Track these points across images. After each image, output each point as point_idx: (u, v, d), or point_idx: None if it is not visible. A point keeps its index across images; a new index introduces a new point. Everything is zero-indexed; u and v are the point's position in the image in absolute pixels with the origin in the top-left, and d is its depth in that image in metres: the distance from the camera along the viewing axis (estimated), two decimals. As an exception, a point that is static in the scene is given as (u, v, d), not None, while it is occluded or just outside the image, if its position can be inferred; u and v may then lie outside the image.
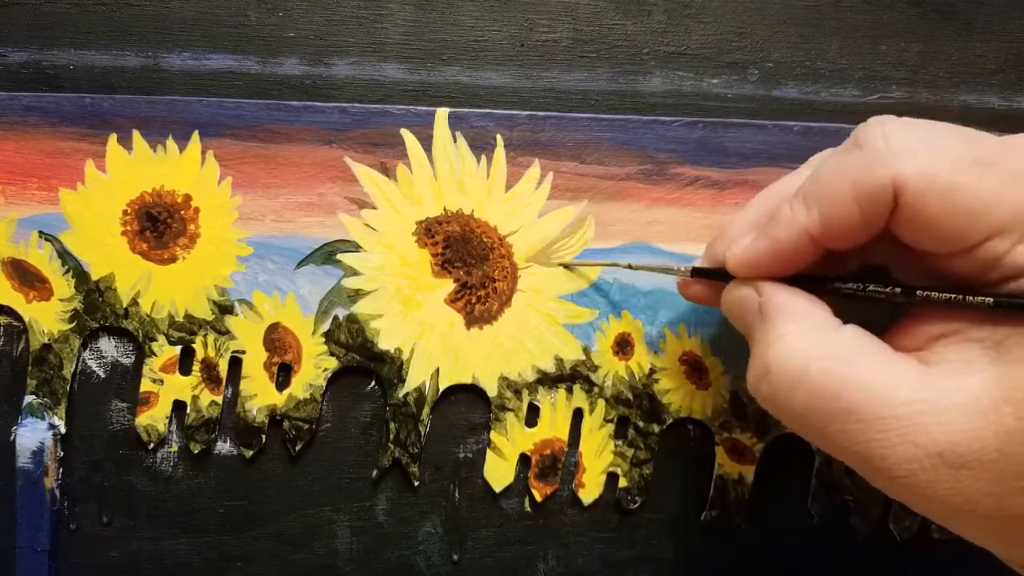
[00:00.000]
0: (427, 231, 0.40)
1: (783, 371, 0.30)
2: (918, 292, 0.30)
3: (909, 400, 0.27)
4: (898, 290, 0.31)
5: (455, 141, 0.39)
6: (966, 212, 0.27)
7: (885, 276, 0.34)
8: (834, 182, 0.29)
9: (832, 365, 0.29)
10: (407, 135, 0.39)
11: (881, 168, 0.28)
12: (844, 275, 0.33)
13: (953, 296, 0.29)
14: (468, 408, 0.41)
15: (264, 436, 0.40)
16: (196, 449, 0.40)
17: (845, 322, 0.31)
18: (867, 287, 0.32)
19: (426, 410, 0.40)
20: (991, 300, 0.28)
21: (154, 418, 0.40)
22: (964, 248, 0.28)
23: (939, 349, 0.29)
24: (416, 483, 0.41)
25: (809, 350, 0.29)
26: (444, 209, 0.39)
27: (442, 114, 0.39)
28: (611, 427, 0.40)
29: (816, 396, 0.29)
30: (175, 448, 0.41)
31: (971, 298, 0.29)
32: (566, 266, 0.40)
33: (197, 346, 0.40)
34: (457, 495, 0.41)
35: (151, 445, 0.40)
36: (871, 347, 0.30)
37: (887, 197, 0.28)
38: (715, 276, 0.35)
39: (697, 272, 0.36)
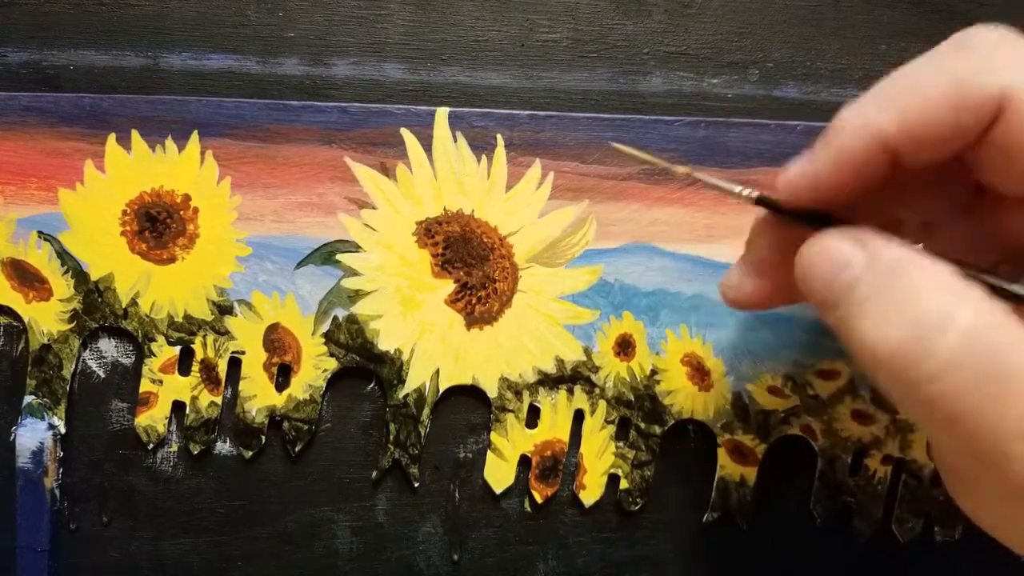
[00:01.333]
0: (427, 231, 0.39)
1: (942, 329, 0.24)
2: None
3: None
4: None
5: (455, 141, 0.39)
6: None
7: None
8: (930, 80, 0.26)
9: (997, 330, 0.24)
10: (407, 135, 0.39)
11: (992, 75, 0.25)
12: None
13: None
14: (468, 409, 0.41)
15: (264, 437, 0.40)
16: (196, 449, 0.40)
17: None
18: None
19: (426, 411, 0.40)
20: None
21: (154, 418, 0.40)
22: None
23: None
24: (416, 484, 0.41)
25: (969, 307, 0.24)
26: (444, 209, 0.39)
27: (442, 114, 0.39)
28: (612, 428, 0.40)
29: (987, 362, 0.24)
30: (175, 448, 0.41)
31: None
32: (615, 148, 0.34)
33: (196, 346, 0.40)
34: (457, 495, 0.41)
35: (151, 445, 0.40)
36: (1011, 313, 0.25)
37: (990, 109, 0.25)
38: (788, 211, 0.29)
39: (762, 202, 0.30)
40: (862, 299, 0.26)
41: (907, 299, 0.25)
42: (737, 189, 0.30)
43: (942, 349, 0.24)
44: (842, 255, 0.26)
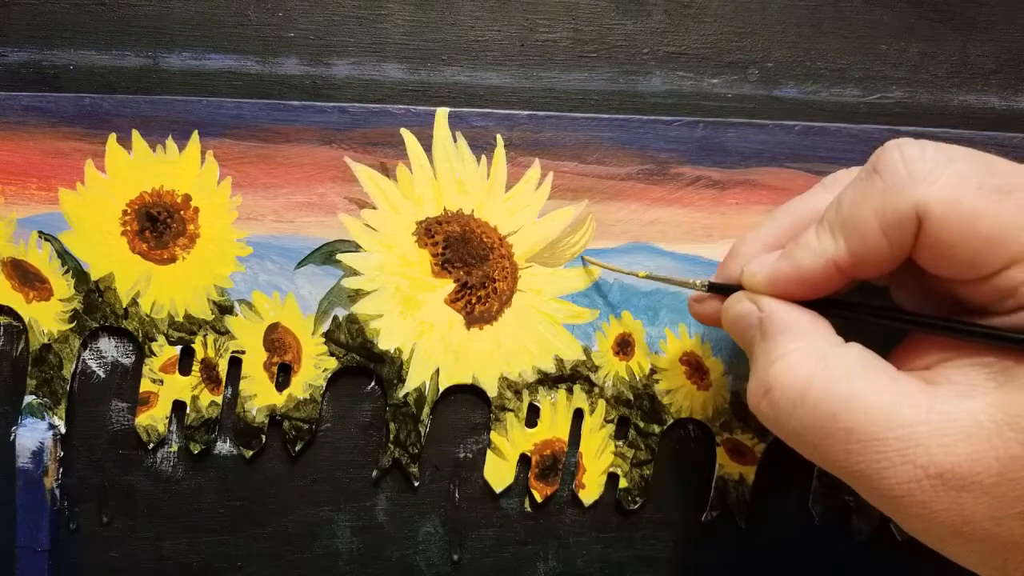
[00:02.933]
0: (427, 231, 0.39)
1: (784, 390, 0.30)
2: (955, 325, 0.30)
3: (911, 422, 0.27)
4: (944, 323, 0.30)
5: (455, 141, 0.39)
6: (986, 239, 0.27)
7: (885, 297, 0.34)
8: (858, 212, 0.29)
9: (833, 385, 0.29)
10: (407, 135, 0.39)
11: (903, 195, 0.28)
12: (842, 294, 0.33)
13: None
14: (468, 408, 0.41)
15: (264, 436, 0.40)
16: (196, 449, 0.40)
17: (847, 340, 0.31)
18: (906, 315, 0.31)
19: (426, 410, 0.40)
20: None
21: (154, 418, 0.40)
22: (982, 275, 0.28)
23: (944, 370, 0.29)
24: (416, 483, 0.41)
25: (810, 370, 0.29)
26: (444, 209, 0.39)
27: (442, 114, 0.39)
28: (611, 427, 0.40)
29: (816, 416, 0.29)
30: (175, 448, 0.41)
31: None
32: (585, 262, 0.40)
33: (197, 346, 0.40)
34: (457, 495, 0.41)
35: (151, 445, 0.40)
36: (874, 366, 0.29)
37: (912, 224, 0.28)
38: (732, 291, 0.34)
39: (714, 288, 0.35)
40: (751, 359, 0.32)
41: (769, 365, 0.30)
42: (691, 280, 0.36)
43: (785, 413, 0.30)
44: (745, 319, 0.32)
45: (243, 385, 0.40)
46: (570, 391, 0.40)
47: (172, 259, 0.39)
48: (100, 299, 0.40)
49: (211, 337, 0.40)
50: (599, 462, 0.41)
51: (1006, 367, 0.28)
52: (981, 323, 0.29)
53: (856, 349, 0.30)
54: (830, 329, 0.31)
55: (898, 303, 0.34)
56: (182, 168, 0.39)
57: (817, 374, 0.29)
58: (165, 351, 0.40)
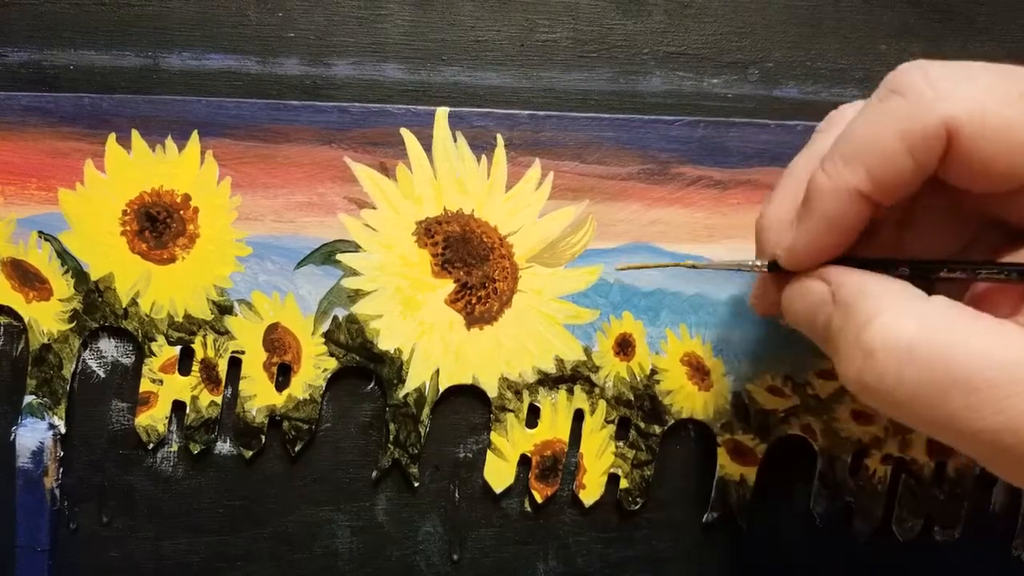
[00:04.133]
0: (427, 231, 0.39)
1: (887, 351, 0.27)
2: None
3: None
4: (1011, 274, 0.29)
5: (455, 141, 0.39)
6: (1017, 147, 0.26)
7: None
8: (879, 134, 0.28)
9: (937, 337, 0.26)
10: (407, 135, 0.39)
11: (931, 112, 0.27)
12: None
13: None
14: (468, 409, 0.41)
15: (264, 436, 0.40)
16: (196, 449, 0.40)
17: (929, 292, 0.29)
18: (978, 270, 0.29)
19: (426, 410, 0.40)
20: None
21: (154, 418, 0.40)
22: (1013, 188, 0.27)
23: None
24: (416, 483, 0.41)
25: (909, 324, 0.27)
26: (444, 209, 0.39)
27: (442, 114, 0.39)
28: (612, 428, 0.40)
29: (928, 371, 0.26)
30: (175, 448, 0.41)
31: None
32: (634, 267, 0.39)
33: (196, 346, 0.40)
34: (457, 495, 0.41)
35: (151, 445, 0.40)
36: (967, 313, 0.27)
37: (940, 141, 0.27)
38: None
39: (775, 268, 0.32)
40: (833, 336, 0.29)
41: (863, 330, 0.27)
42: (750, 262, 0.33)
43: (893, 377, 0.27)
44: (813, 298, 0.30)
45: (243, 385, 0.40)
46: (570, 392, 0.40)
47: (172, 259, 0.39)
48: (100, 299, 0.40)
49: (211, 337, 0.40)
50: (599, 463, 0.41)
51: None
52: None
53: (944, 302, 0.28)
54: (909, 285, 0.29)
55: (919, 249, 0.33)
56: (182, 168, 0.39)
57: (918, 326, 0.27)
58: (165, 351, 0.40)
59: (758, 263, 0.32)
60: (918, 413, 0.27)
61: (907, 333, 0.27)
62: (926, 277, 0.30)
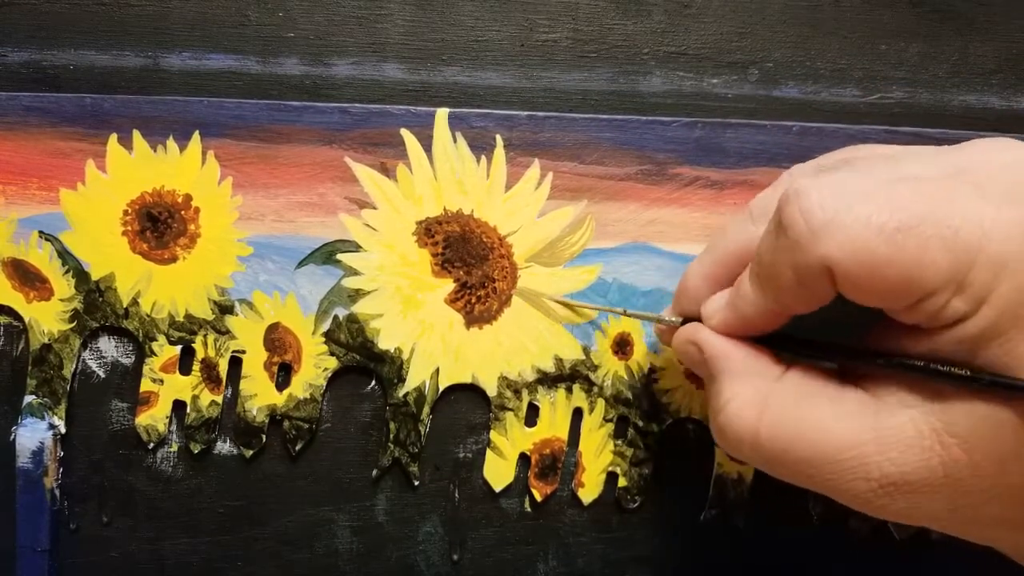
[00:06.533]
0: (427, 231, 0.40)
1: (737, 437, 0.31)
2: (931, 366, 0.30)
3: (857, 442, 0.29)
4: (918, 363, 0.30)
5: (455, 141, 0.39)
6: (896, 281, 0.28)
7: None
8: (775, 268, 0.30)
9: (777, 424, 0.31)
10: (407, 135, 0.39)
11: (808, 252, 0.28)
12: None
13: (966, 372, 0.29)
14: (468, 408, 0.41)
15: (264, 436, 0.40)
16: (196, 449, 0.40)
17: (788, 365, 0.33)
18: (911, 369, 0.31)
19: (426, 410, 0.40)
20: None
21: (154, 418, 0.40)
22: (903, 307, 0.28)
23: (883, 378, 0.30)
24: (416, 483, 0.41)
25: (754, 414, 0.31)
26: (444, 209, 0.39)
27: (442, 114, 0.39)
28: (611, 427, 0.40)
29: (770, 454, 0.31)
30: (175, 448, 0.41)
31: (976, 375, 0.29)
32: (562, 303, 0.40)
33: (197, 346, 0.40)
34: (457, 495, 0.41)
35: (151, 445, 0.40)
36: (814, 393, 0.31)
37: (825, 275, 0.29)
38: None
39: (687, 322, 0.36)
40: (706, 392, 0.34)
41: (717, 412, 0.32)
42: (664, 317, 0.37)
43: (744, 453, 0.32)
44: (691, 357, 0.35)
45: (243, 385, 0.40)
46: (569, 390, 0.40)
47: (173, 259, 0.39)
48: (100, 299, 0.40)
49: (211, 337, 0.40)
50: (598, 461, 0.41)
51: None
52: (914, 353, 0.30)
53: (797, 377, 0.32)
54: (768, 359, 0.33)
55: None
56: (183, 168, 0.39)
57: (761, 418, 0.31)
58: (165, 351, 0.40)
59: (674, 319, 0.36)
60: (771, 473, 0.32)
61: (749, 426, 0.31)
62: (851, 365, 0.32)
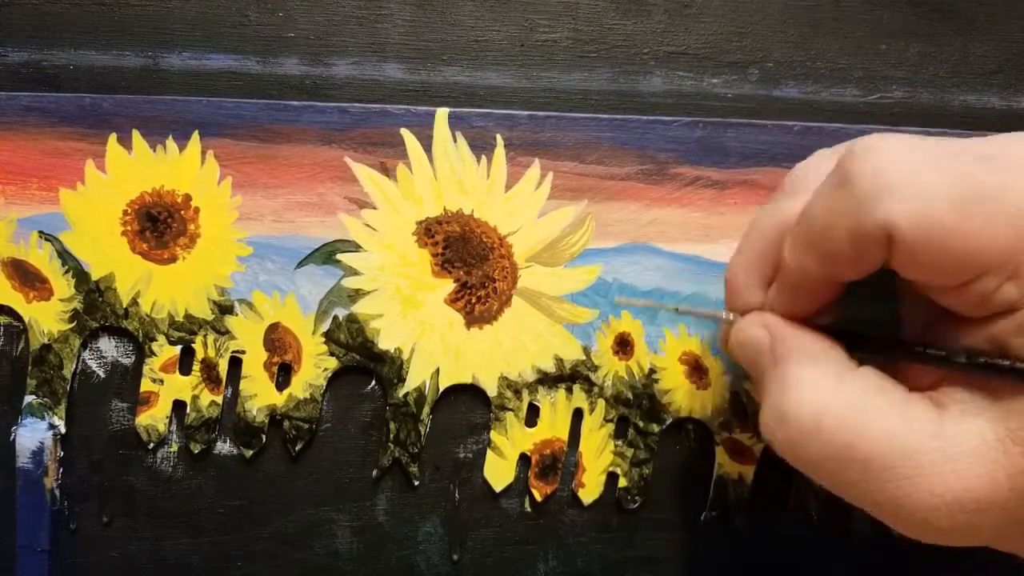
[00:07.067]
0: (427, 231, 0.40)
1: (799, 420, 0.29)
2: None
3: (923, 449, 0.27)
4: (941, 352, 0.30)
5: (455, 141, 0.39)
6: (955, 253, 0.27)
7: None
8: (831, 227, 0.29)
9: (847, 414, 0.29)
10: (407, 135, 0.39)
11: (872, 213, 0.27)
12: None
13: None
14: (468, 408, 0.41)
15: (264, 436, 0.40)
16: (196, 449, 0.40)
17: (860, 361, 0.31)
18: (925, 349, 0.31)
19: (426, 410, 0.40)
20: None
21: (154, 418, 0.40)
22: (954, 285, 0.28)
23: (948, 389, 0.29)
24: (416, 483, 0.41)
25: (823, 399, 0.29)
26: (444, 209, 0.39)
27: (442, 114, 0.39)
28: (611, 427, 0.40)
29: (832, 446, 0.29)
30: (175, 448, 0.41)
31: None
32: (618, 304, 0.40)
33: (197, 346, 0.40)
34: (457, 495, 0.41)
35: (151, 445, 0.40)
36: (885, 391, 0.29)
37: (883, 240, 0.28)
38: None
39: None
40: (764, 384, 0.32)
41: (782, 393, 0.30)
42: (722, 314, 0.35)
43: (800, 445, 0.30)
44: (755, 345, 0.33)
45: (243, 385, 0.40)
46: (570, 391, 0.40)
47: (172, 259, 0.39)
48: (100, 299, 0.40)
49: (211, 337, 0.40)
50: (599, 461, 0.41)
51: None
52: (977, 349, 0.29)
53: (869, 373, 0.30)
54: (842, 353, 0.31)
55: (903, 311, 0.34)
56: (182, 168, 0.39)
57: (831, 402, 0.29)
58: (165, 351, 0.40)
59: (731, 317, 0.35)
60: (821, 476, 0.30)
61: (818, 409, 0.29)
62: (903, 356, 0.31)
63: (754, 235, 0.34)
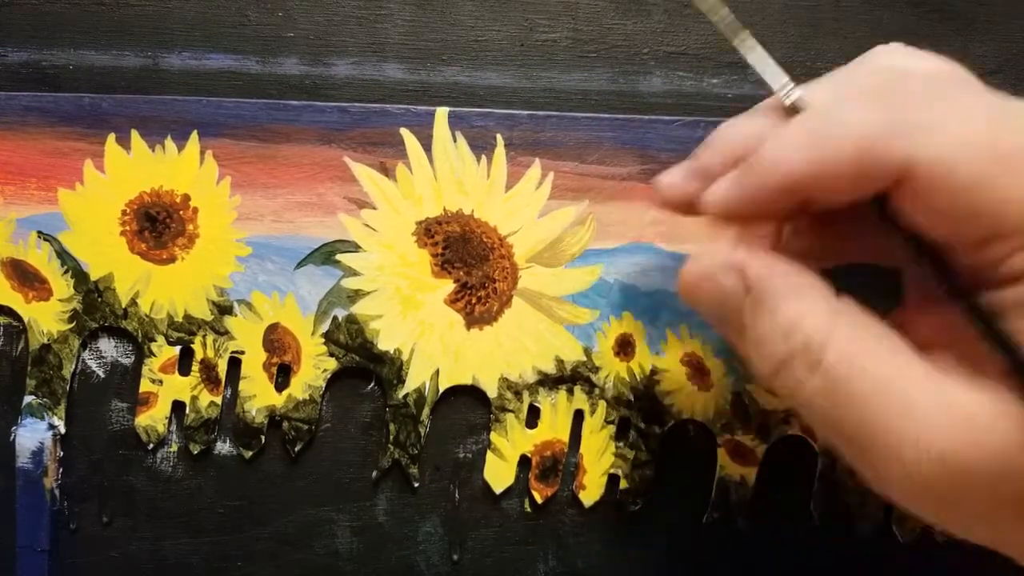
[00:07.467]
0: (427, 231, 0.39)
1: (806, 352, 0.27)
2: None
3: (925, 411, 0.26)
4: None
5: (455, 141, 0.39)
6: (972, 210, 0.25)
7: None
8: (830, 138, 0.27)
9: (846, 352, 0.27)
10: (407, 135, 0.39)
11: (896, 143, 0.26)
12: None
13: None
14: (468, 409, 0.41)
15: (263, 437, 0.40)
16: (196, 449, 0.40)
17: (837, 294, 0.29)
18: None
19: (426, 411, 0.40)
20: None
21: (153, 418, 0.40)
22: (972, 240, 0.26)
23: (947, 355, 0.28)
24: (416, 484, 0.41)
25: (825, 327, 0.27)
26: (444, 209, 0.39)
27: (442, 114, 0.39)
28: (612, 429, 0.40)
29: (830, 383, 0.27)
30: (175, 448, 0.41)
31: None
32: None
33: (196, 346, 0.40)
34: (457, 495, 0.41)
35: (151, 445, 0.40)
36: (884, 336, 0.27)
37: (893, 173, 0.26)
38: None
39: (792, 111, 0.31)
40: (744, 326, 0.29)
41: (777, 331, 0.28)
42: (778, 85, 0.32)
43: (806, 382, 0.27)
44: (722, 284, 0.29)
45: (242, 385, 0.40)
46: (570, 392, 0.40)
47: (171, 259, 0.39)
48: (99, 299, 0.40)
49: (210, 337, 0.40)
50: (600, 463, 0.41)
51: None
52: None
53: (852, 305, 0.28)
54: (828, 285, 0.29)
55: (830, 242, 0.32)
56: (181, 168, 0.39)
57: (832, 335, 0.27)
58: (164, 351, 0.40)
59: (783, 93, 0.31)
60: (813, 416, 0.28)
61: (821, 339, 0.27)
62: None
63: (714, 144, 0.32)
